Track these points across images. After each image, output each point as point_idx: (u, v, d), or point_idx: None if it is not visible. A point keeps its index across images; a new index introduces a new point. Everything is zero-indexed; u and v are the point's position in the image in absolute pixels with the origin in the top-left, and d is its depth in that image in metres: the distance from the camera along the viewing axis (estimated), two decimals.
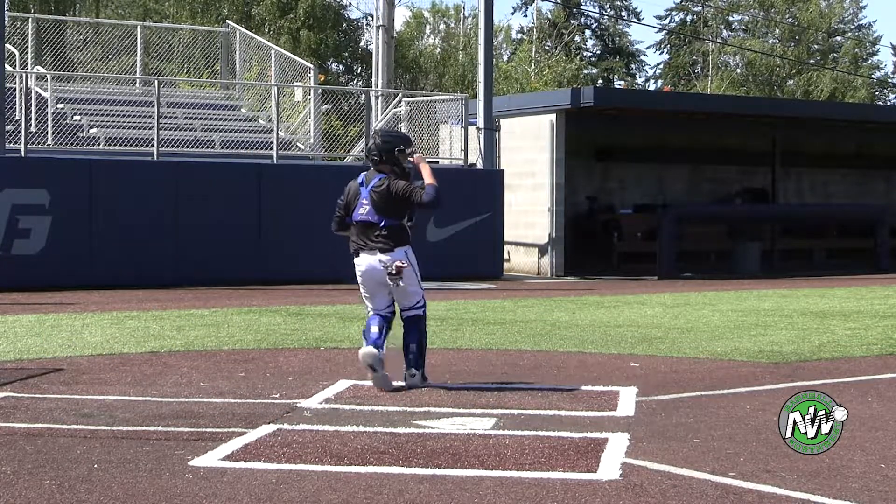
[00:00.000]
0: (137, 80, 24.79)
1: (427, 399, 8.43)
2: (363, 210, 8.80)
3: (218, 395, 8.55)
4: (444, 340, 12.09)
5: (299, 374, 9.60)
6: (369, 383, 9.05)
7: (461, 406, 8.14)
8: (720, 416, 7.91)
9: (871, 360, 10.94)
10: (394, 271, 8.69)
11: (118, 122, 22.42)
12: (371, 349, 8.61)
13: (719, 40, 67.12)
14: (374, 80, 28.90)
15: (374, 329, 8.75)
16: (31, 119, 20.40)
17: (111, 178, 19.34)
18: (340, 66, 58.93)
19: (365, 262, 8.79)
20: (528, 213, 24.89)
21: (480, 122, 23.69)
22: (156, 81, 21.14)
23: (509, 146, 25.11)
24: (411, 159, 8.86)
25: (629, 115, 26.59)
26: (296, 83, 24.83)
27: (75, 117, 22.28)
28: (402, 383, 8.83)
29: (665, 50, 72.81)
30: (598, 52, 71.23)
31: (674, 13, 72.23)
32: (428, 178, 8.81)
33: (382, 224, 8.74)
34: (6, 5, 20.00)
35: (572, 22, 65.60)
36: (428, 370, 8.99)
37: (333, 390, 8.81)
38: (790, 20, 69.19)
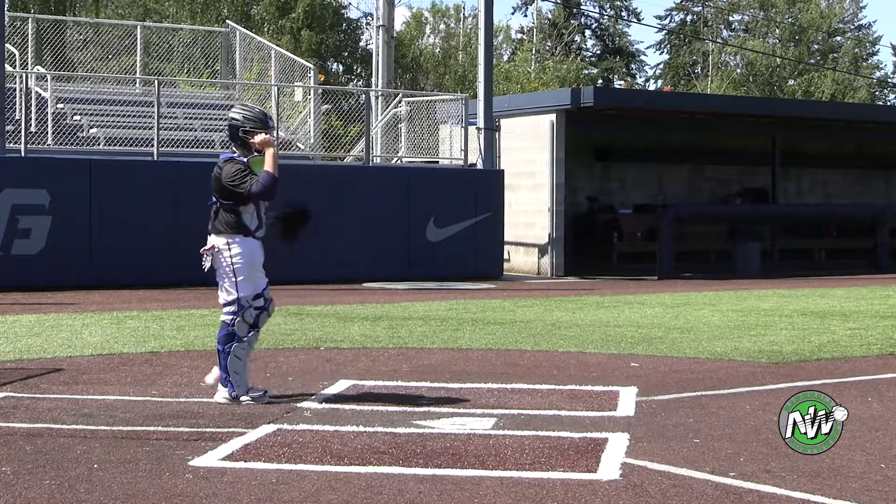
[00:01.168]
0: (137, 80, 24.79)
1: (427, 399, 8.43)
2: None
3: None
4: (444, 340, 12.09)
5: (299, 374, 9.60)
6: (370, 383, 9.06)
7: (461, 406, 8.14)
8: (720, 416, 7.91)
9: (871, 360, 10.94)
10: (208, 250, 8.27)
11: (118, 122, 22.42)
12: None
13: (719, 40, 67.14)
14: (374, 80, 28.90)
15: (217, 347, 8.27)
16: (31, 119, 20.40)
17: (111, 178, 19.33)
18: (340, 66, 58.95)
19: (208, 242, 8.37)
20: (528, 213, 24.89)
21: (480, 122, 23.69)
22: (156, 81, 21.14)
23: (509, 146, 25.11)
24: (254, 141, 8.21)
25: (629, 115, 26.59)
26: (296, 83, 24.83)
27: (75, 117, 22.28)
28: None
29: (665, 50, 72.85)
30: (598, 52, 71.26)
31: (674, 13, 72.31)
32: (268, 165, 8.10)
33: (216, 205, 8.35)
34: (6, 5, 20.00)
35: (572, 22, 65.64)
36: (428, 370, 8.95)
37: (333, 390, 8.81)
38: (790, 20, 69.20)
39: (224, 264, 8.29)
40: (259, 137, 8.21)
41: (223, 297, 8.31)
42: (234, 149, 8.42)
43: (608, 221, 26.64)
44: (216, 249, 8.29)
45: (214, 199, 8.37)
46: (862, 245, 28.67)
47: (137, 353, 10.89)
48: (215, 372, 8.34)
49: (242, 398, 8.12)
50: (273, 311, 8.50)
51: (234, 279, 8.25)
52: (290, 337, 12.22)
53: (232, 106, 9.45)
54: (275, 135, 8.45)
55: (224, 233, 8.29)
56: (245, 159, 8.26)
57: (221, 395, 8.20)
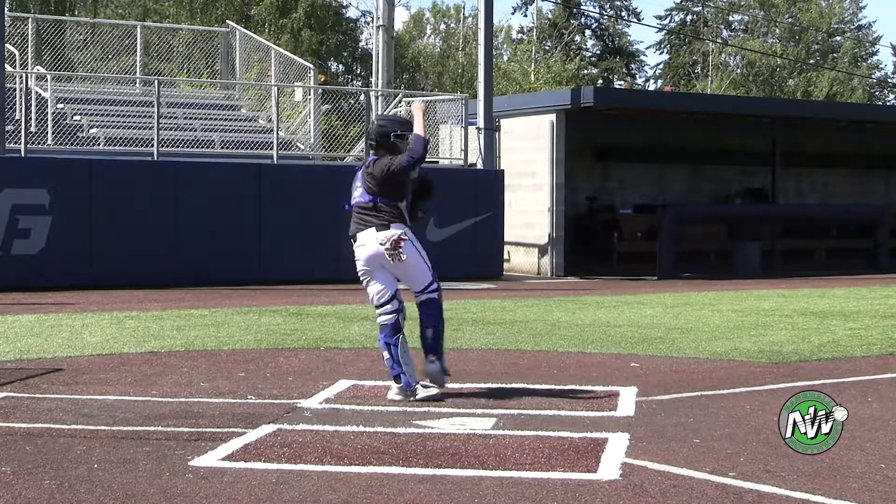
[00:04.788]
0: (137, 80, 24.79)
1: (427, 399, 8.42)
2: (356, 193, 8.55)
3: (218, 395, 8.55)
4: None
5: (299, 374, 9.60)
6: (370, 383, 9.06)
7: (461, 406, 8.14)
8: (720, 416, 7.91)
9: (871, 360, 10.94)
10: (390, 246, 8.30)
11: (118, 122, 22.42)
12: (401, 388, 8.39)
13: (719, 40, 67.12)
14: (374, 80, 28.89)
15: (385, 355, 8.42)
16: (31, 119, 20.41)
17: (111, 178, 19.34)
18: (340, 66, 58.96)
19: (362, 240, 8.40)
20: (528, 213, 24.89)
21: (480, 122, 23.69)
22: (156, 81, 21.14)
23: (509, 146, 25.12)
24: (409, 107, 8.72)
25: (629, 115, 26.59)
26: (296, 83, 24.83)
27: (75, 117, 22.28)
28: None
29: (665, 50, 72.81)
30: (598, 52, 71.23)
31: (674, 13, 72.26)
32: (417, 127, 8.54)
33: (376, 202, 8.42)
34: (6, 5, 19.99)
35: (572, 22, 65.59)
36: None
37: (333, 390, 8.80)
38: (790, 20, 69.20)
39: (413, 254, 8.44)
40: (416, 104, 8.82)
41: (418, 283, 8.55)
42: (378, 154, 8.62)
43: (608, 221, 26.63)
44: (405, 240, 8.37)
45: (371, 197, 8.44)
46: (862, 245, 28.66)
47: (137, 353, 10.89)
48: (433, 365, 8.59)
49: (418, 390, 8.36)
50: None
51: (426, 263, 8.58)
52: (290, 337, 12.22)
53: (377, 116, 9.87)
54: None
55: (394, 223, 8.40)
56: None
57: (394, 392, 8.40)
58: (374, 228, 8.39)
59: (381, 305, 8.46)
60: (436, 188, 8.97)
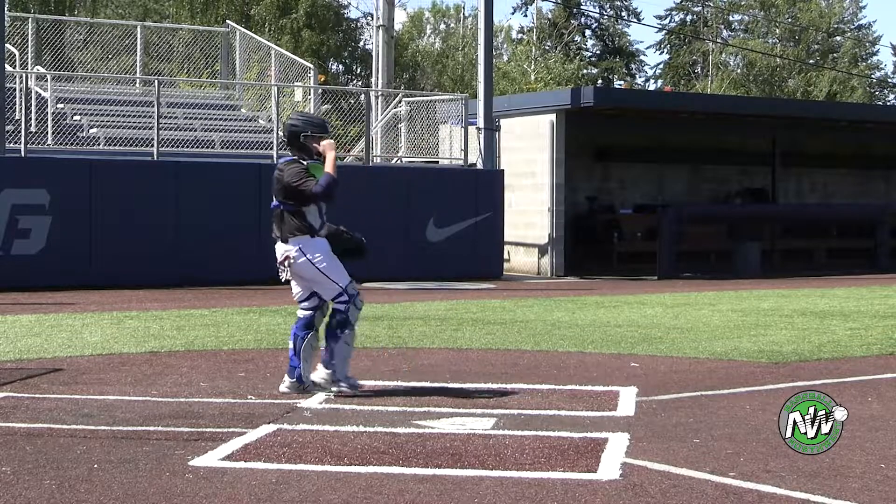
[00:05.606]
0: (137, 80, 24.79)
1: (427, 399, 8.43)
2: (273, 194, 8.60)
3: (218, 395, 8.55)
4: (444, 340, 12.09)
5: None
6: (370, 383, 9.05)
7: (461, 406, 8.14)
8: (720, 416, 7.91)
9: (871, 360, 10.94)
10: (282, 262, 8.43)
11: (118, 122, 22.41)
12: (287, 381, 8.54)
13: (719, 40, 67.12)
14: (374, 80, 28.91)
15: (290, 345, 8.57)
16: (31, 119, 20.40)
17: (111, 178, 19.33)
18: (340, 67, 58.96)
19: (277, 251, 8.54)
20: (528, 213, 24.89)
21: (480, 122, 23.69)
22: (156, 81, 21.14)
23: (509, 146, 25.12)
24: (317, 146, 8.54)
25: (629, 115, 26.59)
26: (296, 83, 24.83)
27: (75, 117, 22.28)
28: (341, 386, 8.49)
29: (665, 50, 72.82)
30: (598, 52, 71.24)
31: (674, 13, 72.27)
32: (328, 167, 8.41)
33: (281, 211, 8.46)
34: (6, 5, 19.99)
35: (572, 22, 65.60)
36: (428, 370, 8.95)
37: (333, 390, 8.79)
38: (790, 20, 69.20)
39: (305, 268, 8.46)
40: (324, 143, 8.57)
41: (326, 294, 8.51)
42: (292, 153, 8.70)
43: (608, 221, 26.64)
44: (291, 260, 8.44)
45: (277, 202, 8.51)
46: (862, 245, 28.67)
47: (137, 353, 10.88)
48: (321, 371, 8.52)
49: (341, 384, 8.45)
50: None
51: (325, 277, 8.47)
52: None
53: (292, 114, 9.68)
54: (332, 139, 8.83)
55: (293, 237, 8.45)
56: (305, 162, 8.53)
57: (320, 374, 8.47)
58: (278, 240, 8.50)
59: (300, 302, 8.66)
60: (368, 249, 8.86)
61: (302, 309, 8.64)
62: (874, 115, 33.06)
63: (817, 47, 69.96)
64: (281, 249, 8.48)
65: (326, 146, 8.56)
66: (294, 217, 8.44)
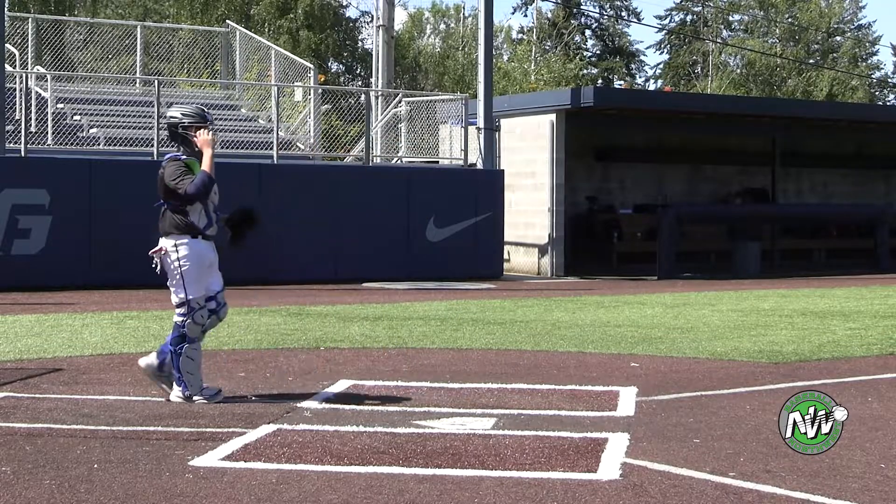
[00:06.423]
0: (137, 80, 24.79)
1: (427, 399, 8.43)
2: None
3: None
4: (444, 340, 12.09)
5: (299, 374, 9.60)
6: (369, 383, 9.05)
7: (461, 406, 8.14)
8: (720, 416, 7.91)
9: (871, 360, 10.94)
10: (156, 251, 8.32)
11: (118, 122, 22.41)
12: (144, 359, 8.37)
13: (719, 40, 67.12)
14: (374, 79, 28.90)
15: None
16: (31, 119, 20.40)
17: (111, 178, 19.33)
18: (340, 66, 58.96)
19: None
20: (528, 213, 24.89)
21: (480, 122, 23.69)
22: (156, 81, 21.14)
23: (509, 146, 25.11)
24: (195, 140, 8.23)
25: (629, 115, 26.59)
26: (296, 83, 24.83)
27: (75, 117, 22.28)
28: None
29: (665, 50, 72.84)
30: (598, 52, 71.25)
31: (674, 13, 72.30)
32: (205, 165, 8.15)
33: (164, 209, 8.40)
34: (6, 5, 19.99)
35: (572, 22, 65.62)
36: (428, 370, 8.92)
37: (333, 390, 8.80)
38: (790, 20, 69.20)
39: (172, 267, 8.29)
40: (201, 138, 8.21)
41: (174, 298, 8.30)
42: (176, 148, 8.46)
43: (608, 221, 26.64)
44: (164, 252, 8.29)
45: (161, 201, 8.38)
46: (862, 245, 28.67)
47: (137, 353, 10.85)
48: (151, 357, 8.36)
49: (195, 397, 8.13)
50: (224, 315, 8.41)
51: (181, 281, 8.22)
52: (290, 337, 12.22)
53: (171, 105, 9.46)
54: (214, 131, 8.42)
55: (172, 234, 8.29)
56: (183, 158, 8.32)
57: (176, 393, 8.20)
58: (162, 235, 8.37)
59: (175, 307, 8.35)
60: (257, 211, 8.67)
61: (177, 315, 8.28)
62: (874, 115, 33.05)
63: (817, 47, 69.98)
64: (160, 243, 8.35)
65: (203, 142, 8.21)
66: (176, 215, 8.28)
